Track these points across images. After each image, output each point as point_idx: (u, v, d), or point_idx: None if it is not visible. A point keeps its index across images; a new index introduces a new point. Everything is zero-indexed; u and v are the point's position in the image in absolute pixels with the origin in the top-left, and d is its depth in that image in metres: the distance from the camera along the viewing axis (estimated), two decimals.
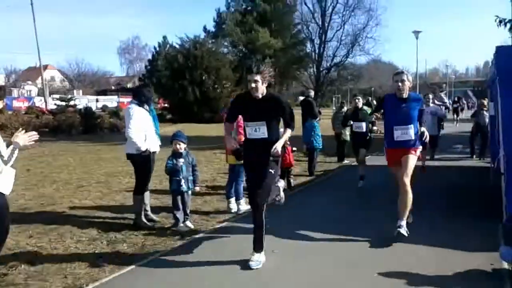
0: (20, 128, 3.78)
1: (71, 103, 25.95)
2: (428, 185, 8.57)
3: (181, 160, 5.75)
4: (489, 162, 10.05)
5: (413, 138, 5.41)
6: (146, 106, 6.09)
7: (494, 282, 4.13)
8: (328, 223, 6.04)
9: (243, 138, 6.51)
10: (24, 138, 3.62)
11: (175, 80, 29.25)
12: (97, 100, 38.56)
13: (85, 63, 68.91)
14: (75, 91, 44.45)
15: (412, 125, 5.39)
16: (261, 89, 4.65)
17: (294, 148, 8.93)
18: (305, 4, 53.54)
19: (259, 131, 4.63)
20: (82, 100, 33.73)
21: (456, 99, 34.48)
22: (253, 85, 4.60)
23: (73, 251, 5.06)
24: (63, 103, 25.41)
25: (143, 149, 5.86)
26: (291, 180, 8.68)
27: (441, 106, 12.51)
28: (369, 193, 8.18)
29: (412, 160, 5.41)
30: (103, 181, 9.21)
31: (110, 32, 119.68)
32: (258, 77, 4.60)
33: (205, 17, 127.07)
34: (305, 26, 53.63)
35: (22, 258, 4.76)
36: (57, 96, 29.21)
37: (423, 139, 5.58)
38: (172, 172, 5.77)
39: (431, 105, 10.98)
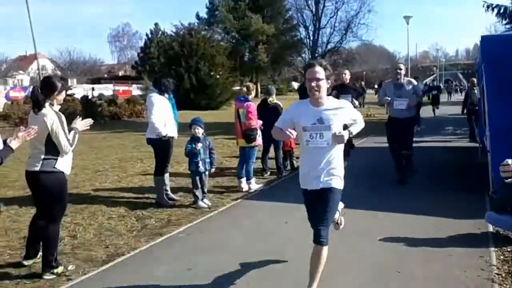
0: (78, 116, 4.36)
1: (69, 92, 26.27)
2: (425, 163, 9.26)
3: (199, 144, 6.32)
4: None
5: None
6: (166, 95, 6.63)
7: (481, 242, 4.79)
8: None
9: (253, 124, 7.15)
10: (82, 123, 4.26)
11: (170, 68, 29.58)
12: (93, 89, 38.74)
13: (76, 52, 68.51)
14: (69, 80, 44.41)
15: None
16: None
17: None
18: None
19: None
20: (79, 89, 33.92)
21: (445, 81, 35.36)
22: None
23: (107, 227, 5.65)
24: None
25: (163, 134, 6.41)
26: (294, 162, 9.30)
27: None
28: (364, 172, 8.81)
29: None
30: (118, 166, 9.76)
31: (99, 20, 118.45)
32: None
33: (196, 4, 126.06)
34: (299, 13, 53.97)
35: (64, 232, 5.34)
36: (67, 88, 29.42)
37: None
38: (191, 154, 6.35)
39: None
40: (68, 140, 4.08)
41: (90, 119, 4.35)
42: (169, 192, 6.82)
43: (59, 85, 4.15)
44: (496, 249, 4.55)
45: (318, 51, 55.59)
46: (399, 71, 7.42)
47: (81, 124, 4.25)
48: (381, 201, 6.46)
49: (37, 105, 4.01)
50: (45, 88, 4.09)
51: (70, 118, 4.27)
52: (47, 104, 4.04)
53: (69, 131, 4.14)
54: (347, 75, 8.38)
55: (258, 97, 18.28)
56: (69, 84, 34.10)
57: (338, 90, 7.72)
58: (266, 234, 5.23)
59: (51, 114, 4.02)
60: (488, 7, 19.18)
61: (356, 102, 7.84)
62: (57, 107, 4.18)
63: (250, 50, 46.84)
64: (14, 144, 3.64)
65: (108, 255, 4.69)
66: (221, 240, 5.06)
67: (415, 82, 7.69)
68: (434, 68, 73.80)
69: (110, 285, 3.97)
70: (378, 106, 30.80)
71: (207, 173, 6.56)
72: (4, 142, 3.66)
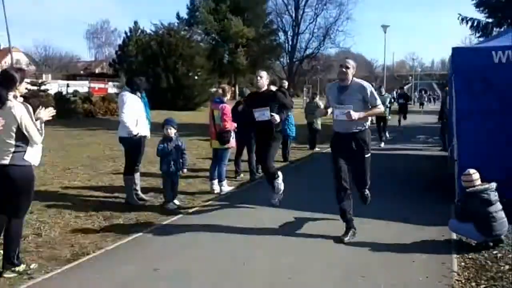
0: (41, 106, 4.29)
1: (43, 87, 25.77)
2: (393, 170, 9.46)
3: (171, 144, 6.29)
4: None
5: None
6: (138, 94, 6.59)
7: (444, 248, 4.90)
8: (302, 203, 6.69)
9: (227, 126, 7.16)
10: (45, 113, 4.20)
11: (148, 67, 29.36)
12: (67, 85, 38.06)
13: (52, 47, 67.23)
14: (43, 75, 43.54)
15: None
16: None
17: None
18: None
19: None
20: (53, 85, 33.27)
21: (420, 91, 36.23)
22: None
23: (74, 226, 5.56)
24: (35, 87, 25.19)
25: (134, 133, 6.37)
26: None
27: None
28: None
29: None
30: (88, 164, 9.63)
31: (78, 15, 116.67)
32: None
33: (177, 4, 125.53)
34: (279, 18, 54.52)
35: (29, 230, 5.24)
36: (28, 80, 28.78)
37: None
38: (163, 154, 6.31)
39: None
40: (38, 130, 4.03)
41: (51, 108, 4.29)
42: (139, 192, 6.76)
43: (17, 76, 4.08)
44: (458, 256, 4.66)
45: (296, 56, 56.22)
46: (344, 69, 5.15)
47: (45, 113, 4.19)
48: None
49: (1, 100, 3.93)
50: (4, 82, 4.00)
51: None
52: (11, 97, 3.97)
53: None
54: (263, 79, 6.20)
55: (234, 99, 18.29)
56: (44, 79, 33.42)
57: (251, 100, 6.37)
58: (235, 237, 5.24)
59: (18, 106, 3.95)
60: (462, 19, 19.74)
61: (277, 119, 5.96)
62: (20, 99, 4.11)
63: (230, 52, 46.96)
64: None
65: (73, 254, 4.62)
66: (189, 242, 5.04)
67: (366, 85, 5.23)
68: (410, 78, 75.24)
69: (73, 285, 3.92)
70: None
71: (178, 173, 6.53)
72: None
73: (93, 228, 5.46)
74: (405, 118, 20.91)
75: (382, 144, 13.74)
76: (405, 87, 61.02)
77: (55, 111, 4.31)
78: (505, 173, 5.65)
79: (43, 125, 4.15)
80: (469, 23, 19.75)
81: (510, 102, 6.05)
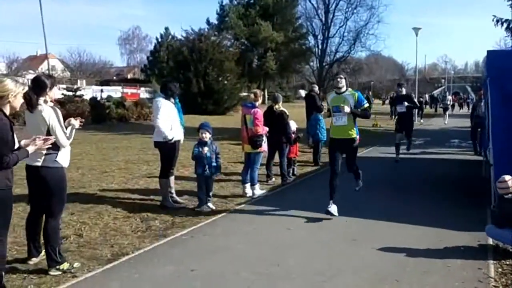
0: (74, 116, 4.56)
1: (78, 93, 26.57)
2: (426, 175, 9.37)
3: (206, 148, 6.44)
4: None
5: None
6: (172, 100, 6.76)
7: (480, 254, 4.84)
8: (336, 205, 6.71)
9: (259, 130, 7.26)
10: (77, 122, 4.50)
11: (179, 72, 29.83)
12: (101, 91, 39.03)
13: (86, 53, 68.85)
14: (78, 81, 44.81)
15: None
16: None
17: (300, 135, 9.53)
18: (309, 1, 54.67)
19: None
20: (87, 90, 34.19)
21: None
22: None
23: (112, 226, 5.76)
24: (70, 93, 26.00)
25: (169, 137, 6.53)
26: (295, 169, 9.43)
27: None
28: (369, 181, 8.87)
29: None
30: (124, 167, 9.89)
31: (110, 22, 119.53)
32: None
33: (207, 9, 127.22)
34: (309, 22, 54.56)
35: (70, 231, 5.47)
36: (64, 86, 29.71)
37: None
38: (198, 158, 6.46)
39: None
40: (65, 133, 4.25)
41: (81, 118, 4.60)
42: (174, 195, 6.93)
43: (48, 82, 4.31)
44: (495, 262, 4.61)
45: (326, 60, 55.99)
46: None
47: (77, 122, 4.49)
48: (382, 210, 6.55)
49: (31, 104, 4.15)
50: (36, 87, 4.24)
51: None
52: (41, 101, 4.19)
53: (66, 127, 4.36)
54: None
55: (265, 104, 18.41)
56: (78, 85, 34.40)
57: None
58: (268, 240, 5.32)
59: (47, 110, 4.19)
60: (497, 21, 19.29)
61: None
62: (50, 104, 4.33)
63: (259, 56, 47.20)
64: (31, 149, 3.77)
65: (113, 254, 4.80)
66: (224, 244, 5.15)
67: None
68: (443, 80, 73.75)
69: (114, 283, 4.08)
70: (385, 117, 31.02)
71: (213, 177, 6.67)
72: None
73: (131, 229, 5.65)
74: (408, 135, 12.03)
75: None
76: (438, 90, 59.52)
77: (83, 120, 4.68)
78: None
79: (74, 131, 4.42)
80: (505, 25, 19.26)
81: None
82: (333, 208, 6.13)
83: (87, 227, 5.67)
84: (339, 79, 6.38)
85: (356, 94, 6.31)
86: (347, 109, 6.09)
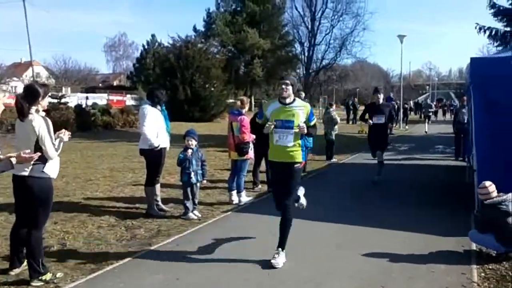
0: (63, 129, 4.50)
1: (63, 100, 26.30)
2: (411, 181, 9.46)
3: (190, 150, 6.41)
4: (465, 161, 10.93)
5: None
6: (158, 107, 6.73)
7: (464, 259, 4.89)
8: (320, 214, 6.73)
9: (246, 138, 7.26)
10: (66, 135, 4.40)
11: (166, 79, 29.78)
12: (87, 98, 38.70)
13: (71, 60, 68.43)
14: (63, 88, 44.37)
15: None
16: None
17: None
18: (296, 8, 55.12)
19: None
20: (73, 98, 33.87)
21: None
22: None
23: (97, 235, 5.69)
24: (55, 100, 25.72)
25: (155, 145, 6.49)
26: None
27: None
28: (355, 187, 8.93)
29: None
30: (109, 175, 9.80)
31: (96, 29, 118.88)
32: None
33: (194, 16, 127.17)
34: (295, 29, 54.99)
35: (54, 240, 5.39)
36: (49, 93, 29.31)
37: None
38: (183, 162, 6.41)
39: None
40: (54, 145, 4.18)
41: (67, 132, 4.48)
42: (159, 203, 6.88)
43: (41, 91, 4.23)
44: (478, 267, 4.65)
45: (312, 67, 56.39)
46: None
47: (66, 135, 4.40)
48: (365, 215, 6.59)
49: (22, 113, 4.09)
50: (28, 96, 4.16)
51: (63, 127, 4.41)
52: (33, 110, 4.13)
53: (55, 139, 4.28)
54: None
55: (251, 111, 18.44)
56: (63, 92, 34.09)
57: None
58: (255, 247, 5.30)
59: (38, 120, 4.11)
60: (480, 29, 19.64)
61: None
62: (42, 113, 4.26)
63: (246, 63, 47.29)
64: (14, 160, 3.71)
65: (97, 263, 4.73)
66: (210, 251, 5.12)
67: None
68: (427, 87, 74.70)
69: None
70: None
71: (198, 184, 6.64)
72: None
73: (116, 238, 5.58)
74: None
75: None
76: (423, 97, 60.13)
77: (70, 133, 4.57)
78: None
79: (62, 143, 4.33)
80: (487, 32, 19.63)
81: None
82: (278, 260, 4.68)
83: (70, 236, 5.60)
84: (284, 86, 4.74)
85: (308, 108, 4.87)
86: (304, 130, 4.74)
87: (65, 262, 4.75)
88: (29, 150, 3.91)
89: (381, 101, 9.36)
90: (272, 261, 4.66)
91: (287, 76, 4.89)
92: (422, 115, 32.57)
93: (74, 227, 6.00)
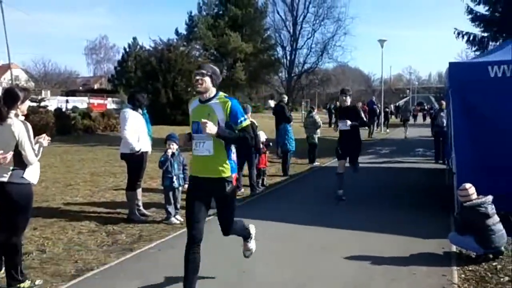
0: (43, 133, 4.42)
1: (42, 104, 25.90)
2: (392, 184, 9.55)
3: (170, 151, 6.38)
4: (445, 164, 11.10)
5: None
6: (139, 110, 6.67)
7: (444, 261, 4.95)
8: (302, 217, 6.76)
9: None
10: (46, 140, 4.32)
11: (147, 82, 29.57)
12: (67, 101, 38.14)
13: (51, 63, 67.53)
14: (43, 91, 43.67)
15: None
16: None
17: (270, 144, 9.63)
18: (277, 12, 55.44)
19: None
20: (52, 101, 33.36)
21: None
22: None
23: (77, 241, 5.60)
24: (35, 104, 25.31)
25: (137, 149, 6.43)
26: (265, 179, 9.47)
27: None
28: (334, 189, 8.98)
29: None
30: (89, 180, 9.67)
31: (77, 32, 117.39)
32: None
33: (176, 20, 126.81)
34: (277, 33, 55.27)
35: (33, 246, 5.29)
36: (29, 97, 28.83)
37: None
38: (165, 169, 6.36)
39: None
40: (34, 150, 4.10)
41: (47, 137, 4.41)
42: (141, 208, 6.81)
43: (21, 95, 4.16)
44: (458, 268, 4.71)
45: (294, 71, 56.71)
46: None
47: (45, 141, 4.32)
48: (347, 219, 6.63)
49: (1, 117, 4.00)
50: (7, 99, 4.08)
51: (43, 131, 4.33)
52: (12, 115, 4.05)
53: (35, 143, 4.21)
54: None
55: None
56: (43, 95, 33.61)
57: None
58: (237, 251, 5.26)
59: (17, 124, 4.02)
60: (458, 34, 19.99)
61: None
62: (21, 117, 4.19)
63: (228, 67, 47.26)
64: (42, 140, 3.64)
65: (77, 270, 4.65)
66: None
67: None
68: (407, 91, 75.73)
69: None
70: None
71: (180, 188, 6.60)
72: None
73: (96, 244, 5.50)
74: (353, 162, 8.98)
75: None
76: (403, 100, 60.90)
77: (50, 138, 4.48)
78: (502, 187, 5.71)
79: (41, 148, 4.26)
80: (465, 37, 20.00)
81: (506, 116, 6.13)
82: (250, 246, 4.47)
83: (50, 243, 5.50)
84: (198, 78, 3.74)
85: (229, 103, 3.70)
86: (211, 129, 3.55)
87: (45, 269, 4.66)
88: (1, 151, 3.83)
89: (347, 103, 8.17)
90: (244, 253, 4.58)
91: (204, 65, 3.89)
92: (401, 120, 30.72)
93: (54, 233, 5.90)
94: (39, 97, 27.85)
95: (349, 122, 7.89)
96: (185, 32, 46.62)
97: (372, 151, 17.08)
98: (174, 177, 6.39)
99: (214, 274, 4.57)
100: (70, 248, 5.34)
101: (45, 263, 4.83)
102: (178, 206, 6.60)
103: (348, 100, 8.19)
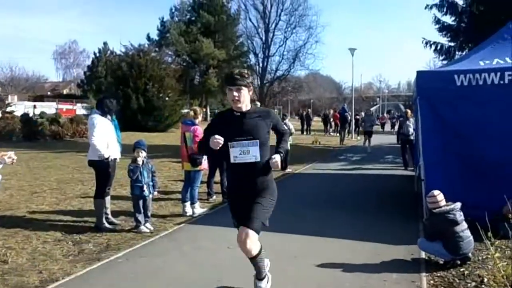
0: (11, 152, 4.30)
1: (8, 109, 25.19)
2: (362, 191, 9.64)
3: (139, 158, 6.26)
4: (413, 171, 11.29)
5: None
6: (108, 116, 6.54)
7: (414, 267, 5.00)
8: (274, 224, 6.71)
9: None
10: (10, 159, 4.22)
11: (118, 88, 29.12)
12: (34, 107, 37.17)
13: (18, 67, 65.83)
14: (9, 96, 42.47)
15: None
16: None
17: None
18: (250, 20, 55.70)
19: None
20: (19, 106, 32.47)
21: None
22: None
23: (42, 251, 5.41)
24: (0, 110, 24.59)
25: (105, 156, 6.29)
26: None
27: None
28: (309, 197, 9.01)
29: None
30: (56, 187, 9.40)
31: (45, 36, 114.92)
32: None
33: (147, 25, 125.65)
34: (250, 40, 55.43)
35: None
36: None
37: None
38: (134, 178, 6.23)
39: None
40: None
41: (14, 156, 4.27)
42: (109, 216, 6.66)
43: None
44: (427, 274, 4.77)
45: (267, 78, 56.98)
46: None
47: (9, 159, 4.20)
48: (317, 226, 6.64)
49: None
50: None
51: (9, 136, 4.17)
52: None
53: None
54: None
55: (207, 121, 18.31)
56: (9, 100, 32.68)
57: None
58: (208, 259, 5.21)
59: None
60: (427, 43, 20.43)
61: None
62: None
63: (201, 73, 47.06)
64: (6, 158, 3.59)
65: (41, 280, 4.49)
66: (162, 266, 4.98)
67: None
68: (377, 99, 77.14)
69: None
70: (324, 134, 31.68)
71: (151, 196, 6.47)
72: None
73: (62, 254, 5.33)
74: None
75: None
76: (373, 108, 61.95)
77: (16, 158, 4.34)
78: (469, 193, 5.83)
79: (1, 165, 4.15)
80: (433, 47, 20.45)
81: (472, 124, 6.29)
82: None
83: (13, 253, 5.30)
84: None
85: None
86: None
87: (7, 280, 4.47)
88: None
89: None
90: None
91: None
92: (360, 131, 26.89)
93: (18, 242, 5.69)
94: (6, 102, 27.11)
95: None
96: (157, 38, 46.20)
97: (343, 158, 17.27)
98: (145, 186, 6.26)
99: (185, 286, 4.47)
100: (34, 258, 5.15)
101: (7, 274, 4.64)
102: (149, 214, 6.46)
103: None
